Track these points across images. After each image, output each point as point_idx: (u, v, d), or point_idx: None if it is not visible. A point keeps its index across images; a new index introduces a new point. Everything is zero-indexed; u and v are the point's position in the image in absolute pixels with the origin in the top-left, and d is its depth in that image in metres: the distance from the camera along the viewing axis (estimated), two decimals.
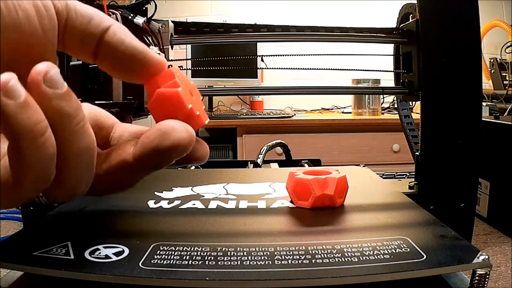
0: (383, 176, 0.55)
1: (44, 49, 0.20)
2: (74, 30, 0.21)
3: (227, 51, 1.61)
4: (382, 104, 1.92)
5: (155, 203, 0.32)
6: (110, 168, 0.21)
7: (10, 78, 0.16)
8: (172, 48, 0.48)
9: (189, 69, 0.54)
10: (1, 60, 0.18)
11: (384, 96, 1.92)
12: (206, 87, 1.63)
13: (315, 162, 0.61)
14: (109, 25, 0.21)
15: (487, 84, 1.58)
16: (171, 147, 0.20)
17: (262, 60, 1.80)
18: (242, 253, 0.22)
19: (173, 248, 0.22)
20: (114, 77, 0.23)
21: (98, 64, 0.22)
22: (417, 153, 0.43)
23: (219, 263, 0.21)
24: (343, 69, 0.51)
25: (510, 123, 0.56)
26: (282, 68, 0.54)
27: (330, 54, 0.55)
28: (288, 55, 0.53)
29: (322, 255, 0.22)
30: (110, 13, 0.46)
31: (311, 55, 0.53)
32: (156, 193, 0.35)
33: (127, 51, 0.21)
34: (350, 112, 1.90)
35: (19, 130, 0.17)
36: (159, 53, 0.47)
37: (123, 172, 0.21)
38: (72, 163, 0.19)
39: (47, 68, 0.17)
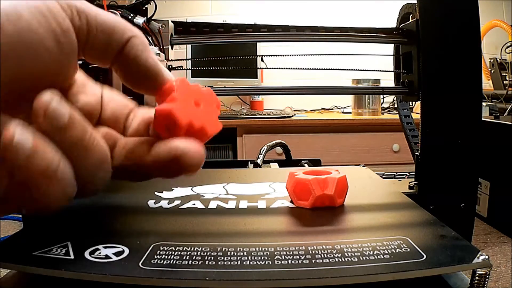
0: (383, 176, 0.55)
1: (63, 70, 0.20)
2: (95, 45, 0.21)
3: (227, 51, 1.61)
4: (382, 104, 1.92)
5: (155, 203, 0.32)
6: (126, 163, 0.22)
7: (14, 130, 0.17)
8: (172, 48, 0.48)
9: (189, 69, 0.54)
10: (22, 86, 0.19)
11: (384, 96, 1.92)
12: (206, 87, 1.63)
13: (315, 162, 0.61)
14: (129, 37, 0.21)
15: (487, 84, 1.58)
16: (182, 169, 0.21)
17: (262, 60, 1.80)
18: (242, 253, 0.22)
19: (173, 248, 0.22)
20: (125, 85, 0.24)
21: (113, 69, 0.23)
22: (417, 153, 0.43)
23: (219, 263, 0.21)
24: (343, 69, 0.51)
25: (510, 123, 0.56)
26: (282, 68, 0.53)
27: (330, 54, 0.55)
28: (288, 55, 0.53)
29: (322, 255, 0.22)
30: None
31: (311, 55, 0.53)
32: (156, 193, 0.35)
33: (140, 67, 0.22)
34: (350, 112, 1.90)
35: (33, 174, 0.17)
36: (158, 53, 0.47)
37: (138, 171, 0.23)
38: (88, 176, 0.20)
39: (47, 102, 0.18)
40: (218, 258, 0.21)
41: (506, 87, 1.33)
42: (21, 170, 0.17)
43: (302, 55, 0.53)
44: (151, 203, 0.32)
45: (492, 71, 1.50)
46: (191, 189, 0.37)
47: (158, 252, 0.22)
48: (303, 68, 0.52)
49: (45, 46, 0.18)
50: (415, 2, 0.44)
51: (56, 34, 0.19)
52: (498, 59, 1.48)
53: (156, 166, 0.22)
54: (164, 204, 0.32)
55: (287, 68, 0.53)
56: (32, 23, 0.18)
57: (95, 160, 0.20)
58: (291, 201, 0.32)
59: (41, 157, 0.17)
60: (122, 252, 0.22)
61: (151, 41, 0.47)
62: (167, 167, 0.21)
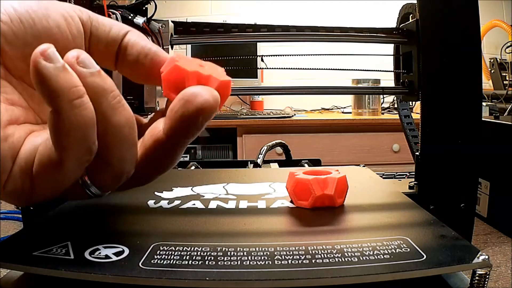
0: (383, 176, 0.55)
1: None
2: (98, 38, 0.23)
3: (227, 51, 1.60)
4: (382, 104, 1.92)
5: (155, 203, 0.32)
6: (146, 151, 0.22)
7: (49, 46, 0.18)
8: (172, 48, 0.48)
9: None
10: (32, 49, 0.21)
11: (384, 96, 1.92)
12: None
13: (315, 162, 0.61)
14: (127, 31, 0.24)
15: (487, 84, 1.58)
16: (197, 112, 0.20)
17: (262, 60, 1.80)
18: (242, 253, 0.22)
19: (173, 248, 0.22)
20: (133, 81, 0.25)
21: (118, 68, 0.24)
22: (417, 153, 0.43)
23: (219, 263, 0.21)
24: (343, 69, 0.51)
25: (510, 123, 0.55)
26: (282, 68, 0.53)
27: (330, 54, 0.55)
28: (288, 55, 0.53)
29: (322, 255, 0.22)
30: (110, 13, 0.46)
31: (311, 55, 0.53)
32: (156, 193, 0.35)
33: (142, 51, 0.23)
34: (350, 112, 1.90)
35: (57, 91, 0.18)
36: None
37: (158, 151, 0.22)
38: (113, 137, 0.20)
39: (78, 53, 0.19)
40: (218, 258, 0.21)
41: (506, 87, 1.33)
42: (47, 83, 0.18)
43: (302, 55, 0.53)
44: (151, 203, 0.32)
45: (492, 71, 1.50)
46: (191, 189, 0.37)
47: (158, 252, 0.22)
48: (303, 68, 0.52)
49: (54, 20, 0.21)
50: (415, 2, 0.44)
51: (63, 15, 0.22)
52: (498, 59, 1.48)
53: (174, 125, 0.20)
54: (164, 204, 0.32)
55: (287, 68, 0.53)
56: (41, 1, 0.22)
57: (120, 120, 0.20)
58: (291, 201, 0.32)
59: (68, 76, 0.18)
60: (122, 252, 0.22)
61: (151, 41, 0.47)
62: (184, 118, 0.20)
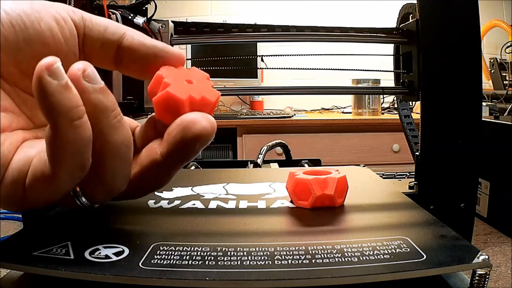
0: (383, 176, 0.55)
1: (66, 57, 0.21)
2: (93, 39, 0.23)
3: (227, 51, 1.60)
4: (382, 104, 1.92)
5: (155, 203, 0.32)
6: (142, 169, 0.22)
7: (55, 61, 0.18)
8: None
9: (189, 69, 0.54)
10: (26, 56, 0.21)
11: (384, 96, 1.92)
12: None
13: (315, 162, 0.61)
14: (124, 32, 0.23)
15: (487, 84, 1.58)
16: (195, 138, 0.20)
17: (262, 60, 1.80)
18: (242, 253, 0.22)
19: (173, 248, 0.22)
20: (140, 79, 0.25)
21: (123, 69, 0.24)
22: (417, 153, 0.43)
23: (219, 263, 0.21)
24: (343, 69, 0.51)
25: (510, 123, 0.55)
26: (282, 68, 0.53)
27: (330, 54, 0.55)
28: (288, 55, 0.53)
29: (322, 255, 0.22)
30: (110, 13, 0.46)
31: (311, 55, 0.53)
32: (156, 193, 0.35)
33: (150, 51, 0.23)
34: (350, 112, 1.90)
35: (58, 110, 0.18)
36: None
37: (154, 171, 0.22)
38: (109, 155, 0.20)
39: (85, 66, 0.19)
40: (218, 258, 0.21)
41: (506, 87, 1.33)
42: (49, 100, 0.17)
43: (302, 55, 0.53)
44: (151, 203, 0.32)
45: (492, 71, 1.50)
46: (191, 189, 0.37)
47: (158, 252, 0.22)
48: (303, 68, 0.52)
49: (46, 23, 0.21)
50: (415, 2, 0.44)
51: (56, 17, 0.22)
52: (498, 59, 1.48)
53: (172, 149, 0.21)
54: (164, 204, 0.32)
55: (287, 68, 0.53)
56: (34, 4, 0.21)
57: (118, 139, 0.20)
58: (291, 201, 0.32)
59: (71, 95, 0.18)
60: (122, 252, 0.22)
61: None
62: (181, 143, 0.20)
